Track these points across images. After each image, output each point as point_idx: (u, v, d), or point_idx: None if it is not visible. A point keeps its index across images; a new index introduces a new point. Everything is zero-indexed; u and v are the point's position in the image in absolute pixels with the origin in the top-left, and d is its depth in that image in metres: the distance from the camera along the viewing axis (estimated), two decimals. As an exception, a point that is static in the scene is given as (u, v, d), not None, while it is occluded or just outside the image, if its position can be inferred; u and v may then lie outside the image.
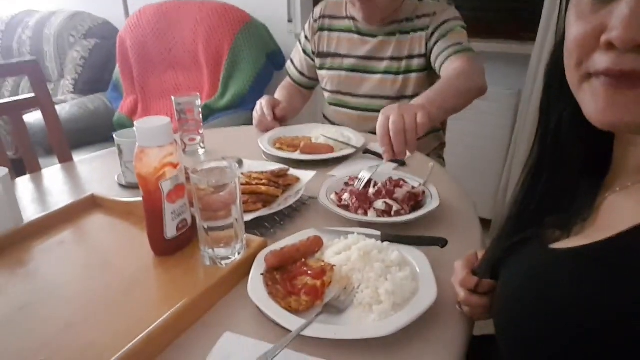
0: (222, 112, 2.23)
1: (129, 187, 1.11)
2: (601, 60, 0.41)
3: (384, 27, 1.45)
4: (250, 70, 2.27)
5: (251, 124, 1.53)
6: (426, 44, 1.39)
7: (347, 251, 0.75)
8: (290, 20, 2.52)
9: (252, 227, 0.86)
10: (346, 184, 1.02)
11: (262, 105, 1.43)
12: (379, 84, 1.47)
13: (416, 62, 1.41)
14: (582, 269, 0.46)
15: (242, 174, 0.99)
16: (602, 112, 0.43)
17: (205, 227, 0.75)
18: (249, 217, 0.85)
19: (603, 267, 0.44)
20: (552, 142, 0.56)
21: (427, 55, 1.40)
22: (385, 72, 1.45)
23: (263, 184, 0.93)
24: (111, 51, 2.71)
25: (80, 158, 1.34)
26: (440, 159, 1.63)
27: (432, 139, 1.57)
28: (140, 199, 0.80)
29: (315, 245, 0.79)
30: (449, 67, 1.28)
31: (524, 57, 2.02)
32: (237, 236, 0.76)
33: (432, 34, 1.37)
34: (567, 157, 0.55)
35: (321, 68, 1.59)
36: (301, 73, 1.67)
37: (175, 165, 0.78)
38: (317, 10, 1.59)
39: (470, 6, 2.23)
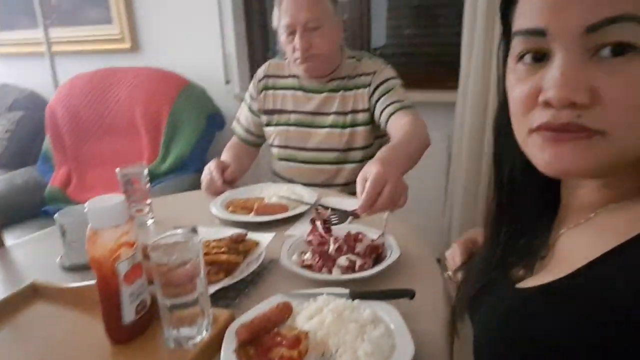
0: (164, 177, 2.18)
1: (75, 269, 1.04)
2: (541, 116, 0.46)
3: (327, 83, 1.53)
4: (192, 133, 2.26)
5: (196, 187, 1.51)
6: (369, 100, 1.47)
7: (319, 314, 0.74)
8: (227, 82, 2.55)
9: (215, 299, 0.83)
10: (307, 242, 1.02)
11: (210, 169, 1.41)
12: (327, 137, 1.53)
13: (361, 117, 1.49)
14: (550, 305, 0.49)
15: (199, 243, 0.96)
16: (550, 164, 0.47)
17: (168, 305, 0.71)
18: (212, 288, 0.82)
19: (569, 301, 0.47)
20: (508, 190, 0.60)
21: (370, 110, 1.48)
22: (332, 126, 1.52)
23: (223, 252, 0.91)
24: (39, 122, 2.60)
25: (13, 241, 1.24)
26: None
27: None
28: (90, 282, 0.75)
29: (286, 311, 0.77)
30: (396, 123, 1.36)
31: (450, 104, 2.15)
32: (203, 312, 0.73)
33: (374, 91, 1.46)
34: (523, 202, 0.60)
35: (268, 125, 1.63)
36: (248, 131, 1.69)
37: (132, 244, 0.74)
38: (260, 71, 1.65)
39: (397, 61, 2.38)
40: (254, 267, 0.91)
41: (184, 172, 2.22)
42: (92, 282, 0.76)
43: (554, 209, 0.60)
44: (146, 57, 2.69)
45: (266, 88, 1.62)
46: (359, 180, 1.00)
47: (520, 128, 0.50)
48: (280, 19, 1.46)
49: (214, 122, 2.40)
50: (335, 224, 1.12)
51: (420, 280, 0.88)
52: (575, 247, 0.51)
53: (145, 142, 2.33)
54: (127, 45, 2.71)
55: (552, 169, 0.47)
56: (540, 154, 0.47)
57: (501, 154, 0.60)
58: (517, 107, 0.49)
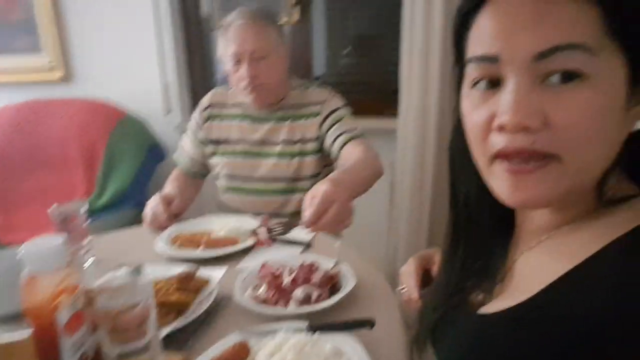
0: (101, 213, 2.07)
1: (3, 320, 0.94)
2: (498, 141, 0.47)
3: (274, 112, 1.52)
4: (131, 166, 2.17)
5: (136, 222, 1.44)
6: (319, 129, 1.48)
7: (279, 352, 0.71)
8: (168, 112, 2.49)
9: (166, 343, 0.78)
10: (260, 276, 0.99)
11: (154, 202, 1.35)
12: (275, 167, 1.51)
13: (309, 146, 1.49)
14: (512, 331, 0.50)
15: (145, 283, 0.91)
16: (511, 195, 0.48)
17: (116, 354, 0.66)
18: (162, 332, 0.78)
19: (530, 325, 0.47)
20: (464, 213, 0.61)
21: (320, 139, 1.48)
22: (280, 155, 1.50)
23: (172, 292, 0.86)
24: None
25: None
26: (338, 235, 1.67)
27: None
28: (23, 335, 0.68)
29: (243, 352, 0.74)
30: (348, 152, 1.37)
31: (391, 131, 2.21)
32: (155, 358, 0.68)
33: (324, 120, 1.47)
34: (479, 225, 0.61)
35: (214, 155, 1.60)
36: (193, 162, 1.65)
37: (73, 290, 0.69)
38: (205, 100, 1.62)
39: (338, 89, 2.43)
40: (206, 305, 0.87)
41: (122, 208, 2.11)
42: (26, 334, 0.69)
43: (509, 230, 0.62)
44: (80, 87, 2.57)
45: (211, 117, 1.59)
46: (307, 197, 1.00)
47: (480, 156, 0.51)
48: (226, 48, 1.44)
49: (154, 154, 2.32)
50: (279, 234, 1.15)
51: (378, 308, 0.88)
52: (532, 270, 0.53)
53: (80, 177, 2.20)
54: (58, 75, 2.58)
55: (513, 200, 0.49)
56: (502, 185, 0.49)
57: (456, 178, 0.62)
58: (475, 133, 0.50)
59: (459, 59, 0.55)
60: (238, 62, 1.42)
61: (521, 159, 0.46)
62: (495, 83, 0.48)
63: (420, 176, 2.07)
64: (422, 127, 2.03)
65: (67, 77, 2.58)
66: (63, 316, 0.67)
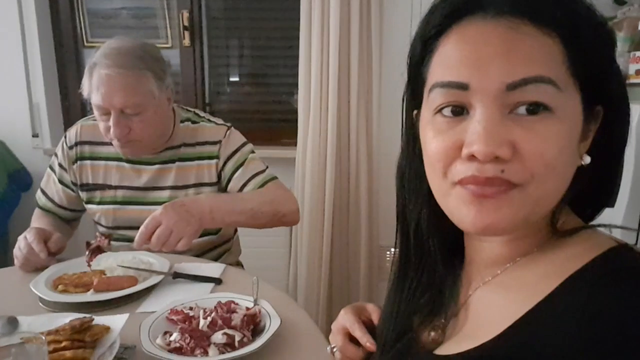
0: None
1: None
2: (465, 169, 0.46)
3: (158, 154, 1.32)
4: (-12, 195, 1.85)
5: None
6: (218, 174, 1.34)
7: (207, 409, 0.62)
8: (35, 135, 2.19)
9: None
10: (169, 320, 0.87)
11: (28, 240, 1.14)
12: None
13: (207, 190, 1.33)
14: None
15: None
16: (473, 220, 0.46)
17: None
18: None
19: None
20: (414, 241, 0.59)
21: (221, 184, 1.35)
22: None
23: (65, 348, 0.71)
24: None
25: None
26: (240, 265, 1.58)
27: (219, 251, 1.46)
28: None
29: (163, 413, 0.63)
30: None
31: (288, 160, 2.20)
32: None
33: (225, 163, 1.33)
34: (428, 252, 0.59)
35: (90, 202, 1.36)
36: (61, 206, 1.39)
37: None
38: (71, 136, 1.36)
39: (231, 117, 2.36)
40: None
41: (-23, 245, 1.78)
42: None
43: (459, 263, 0.60)
44: None
45: (81, 158, 1.34)
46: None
47: (440, 181, 0.49)
48: (90, 93, 1.20)
49: (18, 181, 2.02)
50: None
51: (307, 349, 0.82)
52: (490, 307, 0.51)
53: None
54: None
55: (475, 226, 0.47)
56: (463, 210, 0.47)
57: (406, 204, 0.59)
58: (437, 159, 0.48)
59: (414, 86, 0.54)
60: (106, 114, 1.20)
61: (491, 185, 0.45)
62: (460, 110, 0.47)
63: (319, 203, 2.07)
64: (321, 155, 2.05)
65: None
66: None
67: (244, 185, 1.31)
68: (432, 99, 0.49)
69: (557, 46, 0.44)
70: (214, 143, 1.33)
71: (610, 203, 0.55)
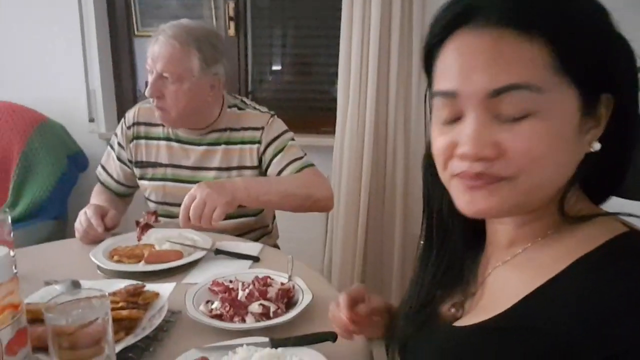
0: (15, 224, 1.87)
1: None
2: (459, 166, 0.52)
3: (205, 135, 1.41)
4: (49, 175, 2.01)
5: (55, 235, 1.32)
6: (259, 158, 1.40)
7: (244, 367, 0.69)
8: (92, 120, 2.34)
9: (116, 362, 0.73)
10: (211, 290, 0.96)
11: (87, 215, 1.25)
12: None
13: (249, 173, 1.41)
14: (489, 343, 0.52)
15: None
16: (467, 205, 0.53)
17: (68, 375, 0.60)
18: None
19: (508, 336, 0.50)
20: (437, 223, 0.65)
21: (261, 168, 1.41)
22: None
23: (121, 308, 0.81)
24: None
25: None
26: (276, 247, 1.66)
27: (258, 234, 1.54)
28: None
29: (205, 368, 0.70)
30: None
31: (326, 148, 2.25)
32: (110, 379, 0.63)
33: (266, 149, 1.39)
34: (451, 235, 0.64)
35: (142, 178, 1.47)
36: (118, 182, 1.51)
37: (16, 306, 0.62)
38: (130, 116, 1.48)
39: (272, 104, 2.43)
40: (157, 321, 0.82)
41: (39, 219, 1.94)
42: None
43: (480, 244, 0.65)
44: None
45: (137, 137, 1.46)
46: None
47: (443, 172, 0.56)
48: (148, 50, 1.33)
49: (76, 162, 2.16)
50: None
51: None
52: (507, 284, 0.56)
53: (-12, 184, 2.00)
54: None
55: (469, 210, 0.53)
56: (460, 197, 0.53)
57: (430, 193, 0.65)
58: (439, 155, 0.55)
59: (430, 85, 0.59)
60: (150, 72, 1.32)
61: (479, 179, 0.51)
62: (456, 114, 0.52)
63: (355, 192, 2.12)
64: (358, 145, 2.09)
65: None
66: (5, 335, 0.61)
67: (282, 170, 1.37)
68: (435, 105, 0.54)
69: (541, 50, 0.47)
70: (257, 129, 1.40)
71: (631, 195, 0.57)
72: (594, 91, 0.50)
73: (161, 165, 1.44)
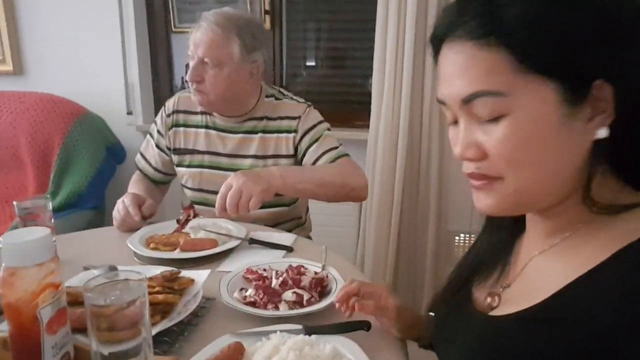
0: (55, 213, 1.94)
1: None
2: (463, 167, 0.56)
3: (242, 123, 1.43)
4: (88, 166, 2.06)
5: (94, 224, 1.35)
6: (295, 147, 1.41)
7: (277, 354, 0.69)
8: (130, 113, 2.40)
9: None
10: (245, 278, 0.96)
11: (125, 203, 1.28)
12: None
13: (284, 162, 1.42)
14: (528, 331, 0.50)
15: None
16: (476, 203, 0.56)
17: (106, 355, 0.61)
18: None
19: (547, 326, 0.49)
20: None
21: (297, 157, 1.42)
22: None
23: (157, 292, 0.81)
24: None
25: None
26: (309, 239, 1.65)
27: (291, 225, 1.54)
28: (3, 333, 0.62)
29: (238, 352, 0.70)
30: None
31: (360, 142, 2.23)
32: (147, 360, 0.64)
33: (302, 138, 1.40)
34: (496, 219, 0.66)
35: (180, 165, 1.50)
36: (156, 169, 1.54)
37: (57, 286, 0.63)
38: (170, 105, 1.51)
39: (307, 98, 2.43)
40: (192, 307, 0.82)
41: (79, 209, 2.00)
42: (3, 333, 0.63)
43: (521, 233, 0.64)
44: (33, 81, 2.44)
45: (176, 125, 1.49)
46: None
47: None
48: (191, 34, 1.36)
49: (114, 154, 2.22)
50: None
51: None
52: (545, 274, 0.54)
53: (31, 175, 2.07)
54: (8, 67, 2.44)
55: (478, 207, 0.56)
56: (472, 194, 0.57)
57: None
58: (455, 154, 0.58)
59: None
60: (192, 57, 1.35)
61: (474, 179, 0.55)
62: (454, 118, 0.56)
63: (389, 186, 2.09)
64: (392, 140, 2.06)
65: (18, 71, 2.45)
66: (46, 313, 0.62)
67: (318, 158, 1.37)
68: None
69: (500, 56, 0.48)
70: (294, 118, 1.41)
71: None
72: (579, 80, 0.47)
73: (199, 152, 1.46)
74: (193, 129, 1.48)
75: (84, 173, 2.06)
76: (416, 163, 2.11)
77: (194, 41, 1.33)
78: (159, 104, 2.47)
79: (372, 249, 2.18)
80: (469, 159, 0.53)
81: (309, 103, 1.46)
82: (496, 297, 0.60)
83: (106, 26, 2.35)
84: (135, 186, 1.53)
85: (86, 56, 2.38)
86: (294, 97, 1.48)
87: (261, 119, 1.43)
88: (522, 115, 0.49)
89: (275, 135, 1.41)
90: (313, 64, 2.46)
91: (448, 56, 0.53)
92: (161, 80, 2.54)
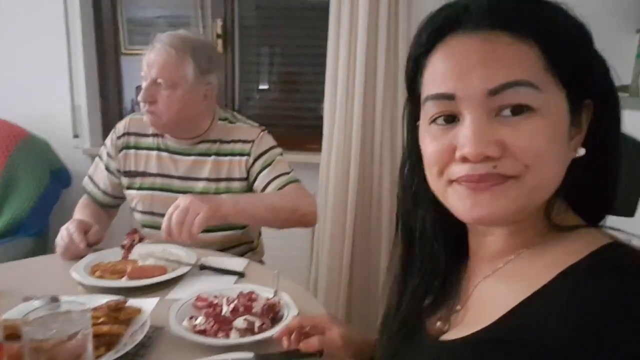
0: (-6, 241, 1.85)
1: None
2: (460, 170, 0.51)
3: (194, 145, 1.42)
4: (31, 191, 1.98)
5: (35, 252, 1.30)
6: (247, 171, 1.41)
7: (228, 383, 0.68)
8: (76, 136, 2.33)
9: (95, 379, 0.71)
10: (195, 306, 0.94)
11: (69, 230, 1.23)
12: None
13: (237, 185, 1.41)
14: (478, 355, 0.51)
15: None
16: (469, 211, 0.51)
17: (45, 393, 0.59)
18: (93, 367, 0.70)
19: (497, 349, 0.49)
20: (419, 240, 0.64)
21: (249, 181, 1.42)
22: (203, 193, 1.39)
23: (102, 323, 0.79)
24: None
25: None
26: (261, 263, 1.64)
27: (243, 249, 1.53)
28: None
29: (187, 384, 0.69)
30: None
31: (313, 165, 2.26)
32: (89, 396, 0.62)
33: (254, 162, 1.40)
34: (431, 250, 0.63)
35: (130, 187, 1.47)
36: (105, 193, 1.51)
37: (-8, 320, 0.61)
38: (120, 127, 1.49)
39: (259, 122, 2.43)
40: (139, 337, 0.80)
41: (20, 235, 1.91)
42: None
43: (462, 257, 0.64)
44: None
45: (127, 147, 1.46)
46: None
47: (437, 181, 0.55)
48: (144, 57, 1.35)
49: (59, 178, 2.14)
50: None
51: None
52: (494, 296, 0.55)
53: (-30, 199, 1.96)
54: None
55: (471, 216, 0.52)
56: (461, 203, 0.52)
57: (410, 209, 0.64)
58: (433, 162, 0.54)
59: (412, 99, 0.59)
60: (144, 77, 1.33)
61: (485, 181, 0.50)
62: (452, 118, 0.52)
63: (341, 208, 2.12)
64: (345, 162, 2.10)
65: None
66: (-20, 351, 0.58)
67: (268, 183, 1.38)
68: (426, 110, 0.54)
69: (533, 51, 0.48)
70: (247, 142, 1.41)
71: (629, 212, 0.58)
72: (578, 96, 0.51)
73: (150, 174, 1.44)
74: (144, 151, 1.46)
75: (26, 198, 1.97)
76: (368, 185, 2.15)
77: (148, 62, 1.32)
78: (107, 127, 2.41)
79: (325, 273, 2.18)
80: (489, 158, 0.48)
81: (263, 127, 1.47)
82: (446, 322, 0.61)
83: (52, 46, 2.29)
84: (81, 211, 1.48)
85: (30, 77, 2.30)
86: (248, 121, 1.49)
87: (214, 141, 1.42)
88: (547, 113, 0.48)
89: (228, 158, 1.41)
90: (266, 87, 2.48)
91: (466, 46, 0.50)
92: (110, 102, 2.49)
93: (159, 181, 1.44)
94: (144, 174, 1.45)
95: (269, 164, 1.40)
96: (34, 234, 1.94)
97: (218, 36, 2.32)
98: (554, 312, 0.46)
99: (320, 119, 2.17)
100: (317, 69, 2.21)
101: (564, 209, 0.55)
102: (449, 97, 0.50)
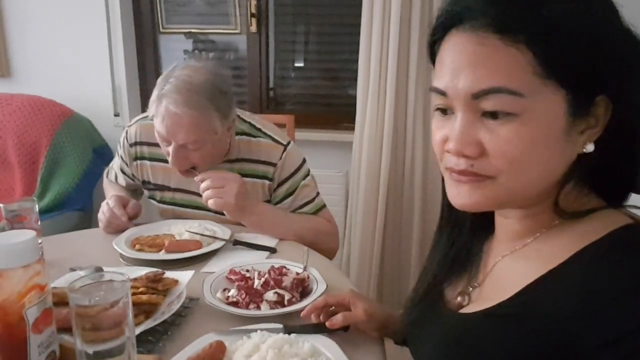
0: (42, 215, 1.94)
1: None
2: (450, 160, 0.54)
3: (216, 166, 1.31)
4: (76, 168, 2.07)
5: (80, 226, 1.35)
6: (270, 194, 1.35)
7: (258, 352, 0.71)
8: (117, 114, 2.41)
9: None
10: (228, 279, 0.98)
11: (110, 205, 1.29)
12: (219, 220, 1.32)
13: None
14: (495, 327, 0.54)
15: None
16: (454, 198, 0.56)
17: (90, 354, 0.63)
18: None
19: (513, 321, 0.52)
20: (448, 211, 0.67)
21: (271, 202, 1.35)
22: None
23: (141, 293, 0.84)
24: None
25: None
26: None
27: None
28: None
29: (220, 351, 0.73)
30: None
31: (346, 143, 2.27)
32: (130, 359, 0.66)
33: (278, 187, 1.34)
34: (460, 222, 0.67)
35: (151, 198, 1.44)
36: (123, 187, 1.50)
37: (43, 287, 0.66)
38: (131, 135, 1.40)
39: (294, 100, 2.47)
40: (175, 307, 0.85)
41: (65, 210, 2.01)
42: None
43: (487, 235, 0.66)
44: (20, 83, 2.43)
45: (141, 158, 1.39)
46: None
47: (440, 164, 0.58)
48: (155, 118, 1.19)
49: (102, 156, 2.22)
50: None
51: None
52: (512, 273, 0.57)
53: (19, 177, 2.07)
54: (-6, 70, 2.43)
55: (455, 203, 0.56)
56: (449, 189, 0.57)
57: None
58: (436, 149, 0.58)
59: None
60: (166, 141, 1.21)
61: (463, 175, 0.53)
62: (450, 110, 0.54)
63: (374, 186, 2.12)
64: (377, 141, 2.10)
65: (5, 73, 2.44)
66: (32, 313, 0.64)
67: (294, 212, 1.34)
68: (432, 99, 0.57)
69: (524, 56, 0.48)
70: (271, 164, 1.32)
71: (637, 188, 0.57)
72: (586, 94, 0.50)
73: (169, 189, 1.39)
74: (160, 163, 1.37)
75: (72, 175, 2.07)
76: (401, 164, 2.14)
77: (166, 128, 1.16)
78: (146, 105, 2.46)
79: (357, 251, 2.21)
80: (466, 156, 0.52)
81: (286, 142, 1.34)
82: (466, 296, 0.63)
83: (93, 28, 2.35)
84: (115, 188, 1.51)
85: (73, 58, 2.38)
86: (268, 132, 1.35)
87: (236, 161, 1.33)
88: (532, 118, 0.48)
89: (251, 180, 1.31)
90: (301, 65, 2.48)
91: (461, 45, 0.51)
92: (148, 81, 2.55)
93: (179, 196, 1.39)
94: (162, 188, 1.40)
95: (293, 192, 1.33)
96: (78, 209, 2.04)
97: (252, 15, 2.33)
98: (567, 289, 0.48)
99: (354, 97, 2.17)
100: (352, 47, 2.20)
101: (585, 192, 0.55)
102: (442, 93, 0.53)
